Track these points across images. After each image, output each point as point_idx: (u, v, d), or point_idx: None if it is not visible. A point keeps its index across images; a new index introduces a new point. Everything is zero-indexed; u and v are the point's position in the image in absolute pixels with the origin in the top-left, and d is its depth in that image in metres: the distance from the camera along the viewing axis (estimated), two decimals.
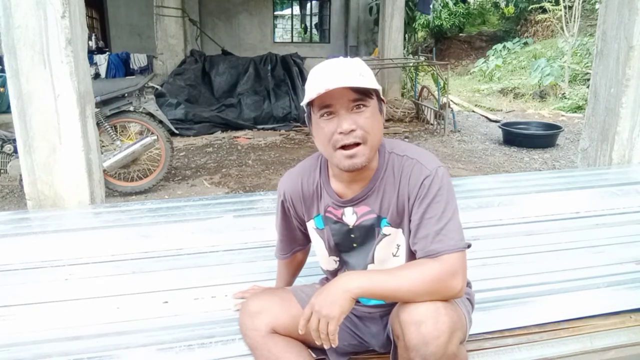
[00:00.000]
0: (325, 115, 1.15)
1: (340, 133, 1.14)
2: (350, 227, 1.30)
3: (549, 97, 9.35)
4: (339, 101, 1.13)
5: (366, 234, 1.30)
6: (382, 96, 1.23)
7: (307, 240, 1.47)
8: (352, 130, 1.14)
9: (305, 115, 1.24)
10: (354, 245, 1.33)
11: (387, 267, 1.29)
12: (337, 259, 1.39)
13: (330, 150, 1.18)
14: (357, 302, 1.38)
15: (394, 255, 1.30)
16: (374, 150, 1.19)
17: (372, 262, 1.32)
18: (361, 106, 1.15)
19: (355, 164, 1.16)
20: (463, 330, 1.17)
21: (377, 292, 1.13)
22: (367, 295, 1.13)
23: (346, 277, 1.15)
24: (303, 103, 1.18)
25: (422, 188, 1.19)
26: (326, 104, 1.14)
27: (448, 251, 1.14)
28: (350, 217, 1.29)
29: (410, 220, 1.22)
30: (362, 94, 1.14)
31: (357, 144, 1.15)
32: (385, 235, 1.28)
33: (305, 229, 1.41)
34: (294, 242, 1.47)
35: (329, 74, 1.13)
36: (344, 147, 1.15)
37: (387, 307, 1.33)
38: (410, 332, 1.10)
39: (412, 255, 1.26)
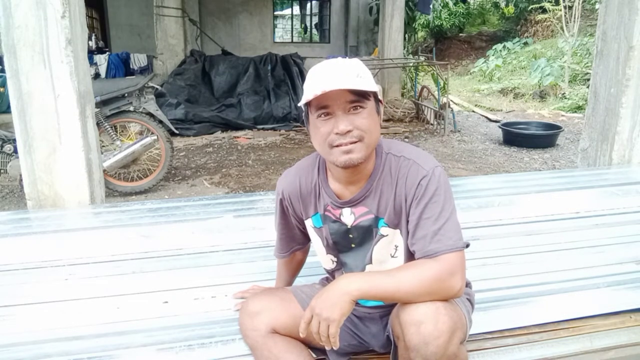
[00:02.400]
0: (322, 115, 1.16)
1: (337, 134, 1.14)
2: (349, 227, 1.30)
3: (549, 97, 9.35)
4: (336, 102, 1.14)
5: (364, 235, 1.30)
6: (381, 97, 1.23)
7: (306, 239, 1.47)
8: (349, 131, 1.14)
9: (303, 114, 1.25)
10: (352, 245, 1.33)
11: (385, 268, 1.29)
12: (335, 259, 1.39)
13: (326, 148, 1.18)
14: (357, 303, 1.38)
15: (392, 257, 1.30)
16: (370, 149, 1.19)
17: (370, 262, 1.32)
18: (358, 107, 1.15)
19: (352, 160, 1.16)
20: (463, 330, 1.17)
21: (377, 293, 1.13)
22: (366, 297, 1.13)
23: (345, 279, 1.15)
24: (301, 103, 1.19)
25: (419, 188, 1.19)
26: (323, 104, 1.14)
27: (446, 251, 1.14)
28: (348, 217, 1.29)
29: (408, 221, 1.23)
30: (360, 96, 1.14)
31: (354, 142, 1.16)
32: (383, 236, 1.28)
33: (304, 227, 1.41)
34: (293, 241, 1.47)
35: (326, 74, 1.13)
36: (339, 146, 1.16)
37: (387, 308, 1.33)
38: (411, 333, 1.10)
39: (410, 257, 1.26)
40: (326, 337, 1.10)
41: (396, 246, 1.28)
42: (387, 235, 1.27)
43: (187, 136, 6.59)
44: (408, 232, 1.23)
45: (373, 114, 1.18)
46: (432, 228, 1.16)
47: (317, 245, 1.40)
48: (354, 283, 1.12)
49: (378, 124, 1.20)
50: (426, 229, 1.17)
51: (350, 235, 1.31)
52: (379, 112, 1.21)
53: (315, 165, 1.34)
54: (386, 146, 1.27)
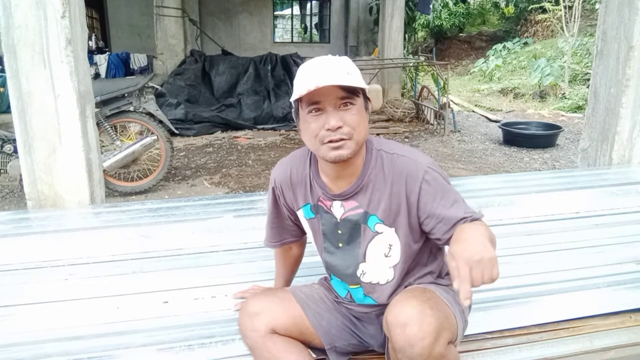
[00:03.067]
0: (313, 111, 1.17)
1: (328, 129, 1.16)
2: (338, 220, 1.31)
3: (549, 97, 9.35)
4: (328, 98, 1.15)
5: (352, 231, 1.30)
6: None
7: (299, 231, 1.47)
8: (339, 127, 1.16)
9: (293, 110, 1.26)
10: (340, 245, 1.34)
11: (377, 267, 1.31)
12: (320, 260, 1.40)
13: (317, 144, 1.20)
14: (352, 302, 1.39)
15: (386, 256, 1.30)
16: (359, 145, 1.21)
17: (364, 260, 1.32)
18: (348, 104, 1.17)
19: (341, 155, 1.17)
20: (452, 330, 1.16)
21: (491, 237, 1.11)
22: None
23: (470, 228, 1.12)
24: (293, 98, 1.20)
25: (425, 184, 1.21)
26: (315, 100, 1.16)
27: (479, 218, 1.19)
28: (338, 209, 1.30)
29: (407, 219, 1.24)
30: (350, 92, 1.16)
31: (344, 139, 1.17)
32: (378, 233, 1.28)
33: (296, 218, 1.42)
34: (284, 231, 1.47)
35: (318, 71, 1.15)
36: (330, 142, 1.17)
37: (382, 307, 1.33)
38: (396, 334, 1.10)
39: (407, 257, 1.28)
40: (491, 279, 1.03)
41: (390, 245, 1.29)
42: (382, 232, 1.28)
43: (187, 136, 6.59)
44: (407, 231, 1.24)
45: (362, 110, 1.20)
46: (459, 210, 1.20)
47: (310, 236, 1.42)
48: (480, 226, 1.13)
49: (366, 121, 1.22)
50: (456, 212, 1.20)
51: (339, 231, 1.32)
52: (367, 109, 1.23)
53: (308, 156, 1.35)
54: (376, 143, 1.29)
